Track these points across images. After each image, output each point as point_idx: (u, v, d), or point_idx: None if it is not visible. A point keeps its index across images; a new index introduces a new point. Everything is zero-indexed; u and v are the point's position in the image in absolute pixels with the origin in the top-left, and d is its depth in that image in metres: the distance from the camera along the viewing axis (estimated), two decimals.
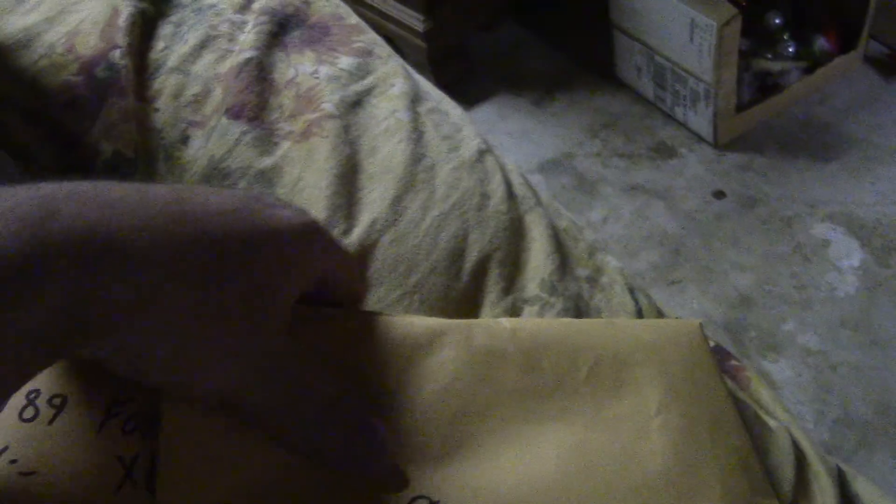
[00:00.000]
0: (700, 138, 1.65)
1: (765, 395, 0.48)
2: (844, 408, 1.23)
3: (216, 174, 0.48)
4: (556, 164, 1.65)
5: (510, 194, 0.48)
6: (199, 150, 0.49)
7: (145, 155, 0.49)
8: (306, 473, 0.32)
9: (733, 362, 0.50)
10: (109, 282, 0.25)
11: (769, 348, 1.32)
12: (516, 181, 0.49)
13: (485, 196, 0.47)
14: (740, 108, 1.61)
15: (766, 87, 1.65)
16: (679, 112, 1.66)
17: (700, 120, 1.62)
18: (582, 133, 1.72)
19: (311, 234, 0.32)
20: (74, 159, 0.49)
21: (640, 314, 0.45)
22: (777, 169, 1.58)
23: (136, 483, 0.31)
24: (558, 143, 1.70)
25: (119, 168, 0.48)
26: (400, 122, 0.49)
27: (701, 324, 0.41)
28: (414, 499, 0.32)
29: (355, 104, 0.50)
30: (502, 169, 0.49)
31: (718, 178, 1.58)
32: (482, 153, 0.49)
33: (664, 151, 1.65)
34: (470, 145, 0.50)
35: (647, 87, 1.71)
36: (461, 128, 0.51)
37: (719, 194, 1.55)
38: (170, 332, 0.27)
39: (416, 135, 0.49)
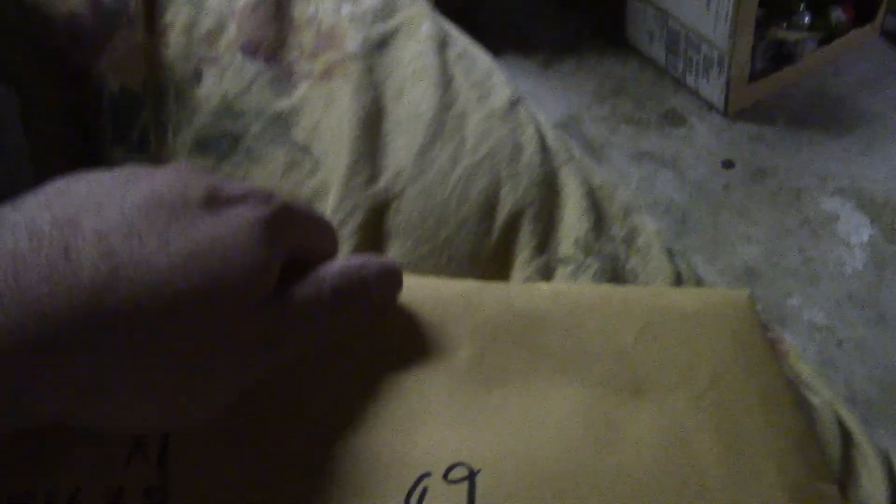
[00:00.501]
0: (711, 106, 1.61)
1: (805, 369, 0.45)
2: (848, 385, 1.22)
3: (229, 114, 0.45)
4: (563, 127, 1.62)
5: (544, 147, 0.45)
6: (212, 88, 0.46)
7: (154, 91, 0.46)
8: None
9: (769, 335, 0.48)
10: (40, 379, 0.24)
11: (774, 322, 1.30)
12: (549, 133, 0.46)
13: (517, 148, 0.44)
14: (753, 77, 1.57)
15: (780, 56, 1.62)
16: (690, 79, 1.63)
17: (712, 88, 1.58)
18: (590, 97, 1.68)
19: (277, 223, 0.30)
20: (80, 94, 0.46)
21: (679, 280, 0.43)
22: (788, 140, 1.55)
23: (146, 457, 0.29)
24: (566, 106, 1.66)
25: (127, 104, 0.45)
26: (427, 65, 0.46)
27: (750, 294, 0.39)
28: (452, 465, 0.29)
29: (380, 45, 0.47)
30: (535, 120, 0.46)
31: (728, 147, 1.55)
32: (514, 102, 0.46)
33: (674, 119, 1.62)
34: (501, 94, 0.47)
35: (659, 53, 1.68)
36: (491, 75, 0.48)
37: (728, 164, 1.52)
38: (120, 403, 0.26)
39: (445, 80, 0.46)
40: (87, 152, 0.45)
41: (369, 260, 0.33)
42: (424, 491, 0.29)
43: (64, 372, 0.25)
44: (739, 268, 1.37)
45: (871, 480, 0.38)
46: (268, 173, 0.43)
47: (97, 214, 0.26)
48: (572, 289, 0.37)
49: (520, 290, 0.36)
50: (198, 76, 0.46)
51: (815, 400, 0.41)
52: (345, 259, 0.33)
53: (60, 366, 0.24)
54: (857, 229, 1.40)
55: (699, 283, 0.44)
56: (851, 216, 1.42)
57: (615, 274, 0.42)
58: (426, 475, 0.29)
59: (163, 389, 0.27)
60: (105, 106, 0.45)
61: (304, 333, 0.30)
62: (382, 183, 0.41)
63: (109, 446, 0.29)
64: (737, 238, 1.41)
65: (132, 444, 0.29)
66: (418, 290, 0.35)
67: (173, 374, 0.26)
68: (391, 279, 0.33)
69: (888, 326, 1.27)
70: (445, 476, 0.29)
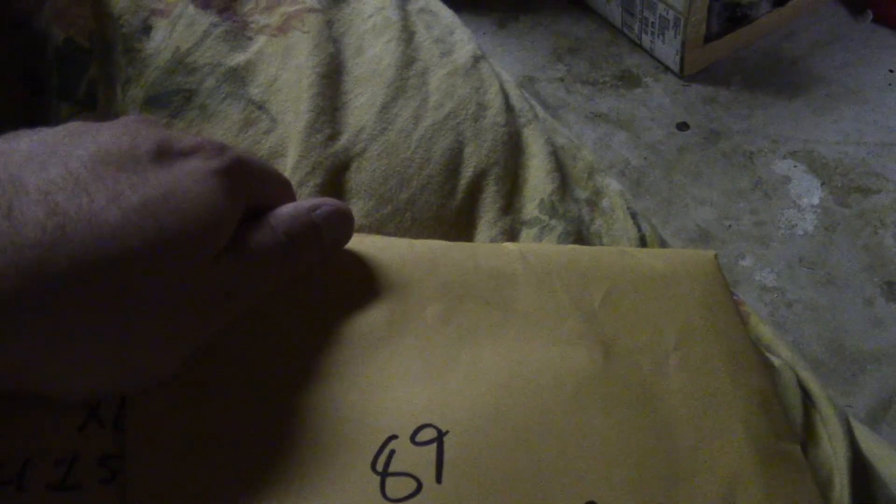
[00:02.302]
0: (666, 68, 1.61)
1: (765, 331, 0.45)
2: (798, 346, 1.24)
3: (181, 69, 0.43)
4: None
5: (508, 106, 0.44)
6: (163, 42, 0.44)
7: (101, 45, 0.44)
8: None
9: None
10: None
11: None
12: (513, 92, 0.45)
13: (481, 106, 0.43)
14: (708, 39, 1.57)
15: (736, 18, 1.62)
16: (646, 40, 1.63)
17: (667, 49, 1.58)
18: (545, 57, 1.67)
19: (232, 174, 0.29)
20: (23, 44, 0.43)
21: (643, 241, 0.42)
22: (742, 103, 1.56)
23: (102, 423, 0.28)
24: (521, 66, 1.65)
25: (73, 57, 0.43)
26: (388, 20, 0.45)
27: (716, 255, 0.38)
28: (420, 427, 0.29)
29: None
30: (498, 77, 0.45)
31: (683, 109, 1.55)
32: (477, 59, 0.45)
33: (629, 80, 1.61)
34: (464, 50, 0.45)
35: (615, 13, 1.67)
36: (453, 30, 0.47)
37: (683, 126, 1.53)
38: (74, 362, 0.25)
39: (407, 35, 0.44)
40: (30, 109, 0.43)
41: (319, 202, 0.32)
42: (392, 454, 0.28)
43: (11, 333, 0.23)
44: (693, 230, 1.38)
45: (832, 440, 0.38)
46: (223, 131, 0.41)
47: (41, 171, 0.25)
48: (539, 249, 0.36)
49: (486, 250, 0.35)
50: (147, 29, 0.44)
51: (775, 361, 0.41)
52: (294, 203, 0.32)
53: (7, 326, 0.23)
54: (809, 191, 1.42)
55: (663, 244, 0.43)
56: (803, 178, 1.44)
57: (580, 236, 0.41)
58: (393, 437, 0.29)
59: (118, 349, 0.25)
60: (49, 59, 0.43)
61: (262, 281, 0.30)
62: (343, 141, 0.40)
63: (62, 413, 0.28)
64: (690, 200, 1.42)
65: (86, 409, 0.28)
66: (382, 250, 0.34)
67: (129, 333, 0.25)
68: (342, 220, 0.33)
69: (837, 288, 1.30)
70: (413, 438, 0.29)
